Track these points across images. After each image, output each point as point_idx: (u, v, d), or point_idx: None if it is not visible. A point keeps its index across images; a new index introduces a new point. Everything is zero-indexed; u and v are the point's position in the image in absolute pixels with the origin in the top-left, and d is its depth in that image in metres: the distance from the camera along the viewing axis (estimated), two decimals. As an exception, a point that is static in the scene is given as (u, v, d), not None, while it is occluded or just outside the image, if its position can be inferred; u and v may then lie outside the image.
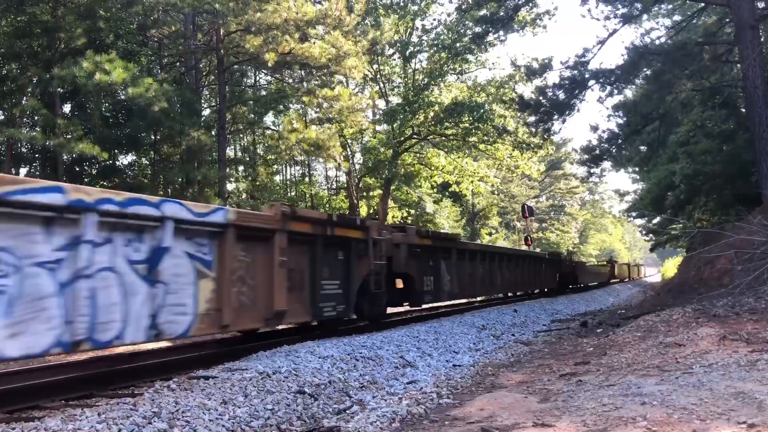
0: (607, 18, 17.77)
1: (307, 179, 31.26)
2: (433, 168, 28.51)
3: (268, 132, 25.58)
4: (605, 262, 42.17)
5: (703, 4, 18.46)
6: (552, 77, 29.40)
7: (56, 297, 4.99)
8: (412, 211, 30.43)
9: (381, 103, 28.80)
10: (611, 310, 17.60)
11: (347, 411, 5.36)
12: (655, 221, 35.35)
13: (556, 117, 19.25)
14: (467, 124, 25.09)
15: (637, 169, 36.63)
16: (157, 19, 18.21)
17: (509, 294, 20.14)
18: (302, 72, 21.56)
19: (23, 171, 17.99)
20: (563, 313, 16.74)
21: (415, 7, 27.11)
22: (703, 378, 5.07)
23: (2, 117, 16.65)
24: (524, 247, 32.40)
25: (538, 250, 38.71)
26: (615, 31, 17.78)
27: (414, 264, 12.07)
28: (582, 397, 4.86)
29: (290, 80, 23.10)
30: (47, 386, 5.84)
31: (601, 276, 35.35)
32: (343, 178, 31.11)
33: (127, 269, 5.67)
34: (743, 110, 17.80)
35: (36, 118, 15.71)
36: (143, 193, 8.18)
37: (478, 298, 19.21)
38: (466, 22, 24.88)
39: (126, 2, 15.73)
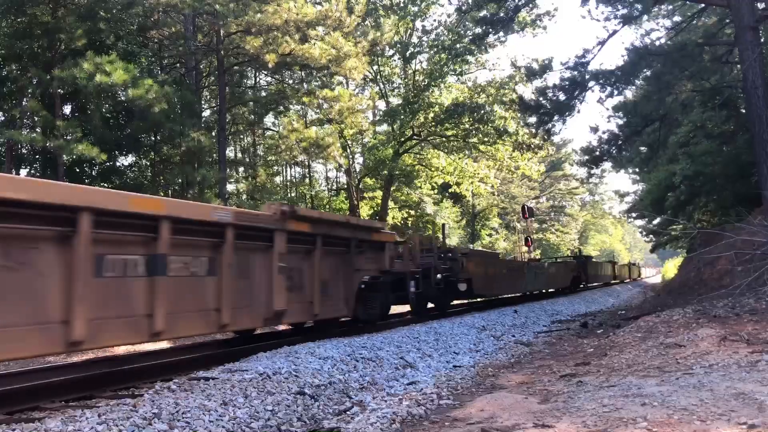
0: (607, 19, 17.77)
1: (307, 180, 31.26)
2: (433, 169, 28.52)
3: (269, 133, 25.59)
4: (570, 259, 29.86)
5: (703, 5, 18.46)
6: (552, 78, 29.38)
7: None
8: (413, 212, 30.41)
9: (381, 104, 28.85)
10: (611, 311, 17.59)
11: (347, 412, 5.36)
12: (655, 222, 35.34)
13: (556, 118, 19.23)
14: (467, 125, 25.10)
15: (637, 170, 36.67)
16: (157, 21, 18.20)
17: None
18: (302, 73, 21.58)
19: (23, 172, 17.99)
20: (563, 314, 16.73)
21: (415, 8, 27.13)
22: (703, 379, 5.07)
23: (2, 118, 16.64)
24: (524, 249, 31.09)
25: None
26: (615, 32, 17.76)
27: None
28: (582, 398, 4.85)
29: (290, 81, 23.11)
30: (47, 387, 5.82)
31: (557, 279, 23.49)
32: (343, 179, 31.13)
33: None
34: (743, 111, 17.80)
35: (36, 119, 15.70)
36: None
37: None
38: (466, 23, 24.91)
39: (126, 3, 15.72)
